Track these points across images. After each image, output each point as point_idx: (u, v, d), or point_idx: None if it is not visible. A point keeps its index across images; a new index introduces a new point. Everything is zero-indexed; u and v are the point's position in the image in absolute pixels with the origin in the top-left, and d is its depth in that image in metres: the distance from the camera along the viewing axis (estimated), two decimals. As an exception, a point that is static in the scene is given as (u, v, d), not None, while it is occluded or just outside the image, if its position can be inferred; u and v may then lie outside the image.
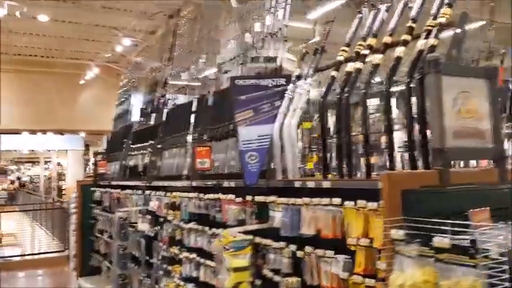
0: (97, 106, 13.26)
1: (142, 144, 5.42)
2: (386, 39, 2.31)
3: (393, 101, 2.63)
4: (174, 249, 3.95)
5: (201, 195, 3.51)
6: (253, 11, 3.60)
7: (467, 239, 1.39)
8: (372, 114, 3.27)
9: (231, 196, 3.05)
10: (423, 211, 1.65)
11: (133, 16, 8.85)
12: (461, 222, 1.46)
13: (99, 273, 6.59)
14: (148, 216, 4.55)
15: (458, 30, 1.98)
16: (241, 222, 3.01)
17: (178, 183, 4.04)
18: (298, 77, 2.90)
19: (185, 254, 3.74)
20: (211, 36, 4.42)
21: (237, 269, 2.56)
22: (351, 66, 2.41)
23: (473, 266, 1.31)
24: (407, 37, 2.19)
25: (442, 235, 1.48)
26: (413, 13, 2.25)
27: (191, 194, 3.68)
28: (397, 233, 1.53)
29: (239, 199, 2.97)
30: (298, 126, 3.76)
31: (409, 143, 1.98)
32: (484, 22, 7.52)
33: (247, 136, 2.82)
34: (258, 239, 2.77)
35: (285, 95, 2.90)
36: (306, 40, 3.18)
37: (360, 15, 2.66)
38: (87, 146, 21.50)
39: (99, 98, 13.20)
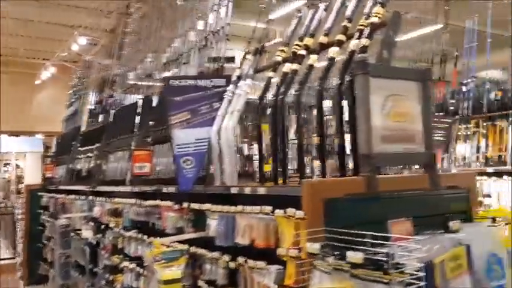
0: (54, 107, 12.72)
1: (89, 147, 5.18)
2: (322, 39, 2.22)
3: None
4: (116, 258, 3.75)
5: (141, 201, 3.34)
6: (197, 9, 3.46)
7: (383, 253, 1.29)
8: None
9: (169, 203, 2.90)
10: (347, 221, 1.55)
11: (89, 14, 8.55)
12: (377, 234, 1.36)
13: (47, 282, 6.29)
14: (91, 223, 4.33)
15: (391, 31, 1.89)
16: (180, 231, 2.86)
17: (121, 189, 3.86)
18: (239, 78, 2.77)
19: (126, 263, 3.55)
20: (162, 35, 4.24)
21: (167, 282, 2.40)
22: (287, 67, 2.31)
23: (387, 283, 1.21)
24: (342, 37, 2.09)
25: (361, 248, 1.38)
26: (348, 12, 2.16)
27: (131, 200, 3.50)
28: (312, 246, 1.42)
29: (176, 206, 2.82)
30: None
31: (339, 149, 1.89)
32: (441, 25, 7.63)
33: (183, 139, 2.67)
34: (194, 249, 2.63)
35: (225, 96, 2.77)
36: (249, 39, 3.03)
37: (300, 14, 2.56)
38: (47, 148, 20.77)
39: (56, 98, 12.68)
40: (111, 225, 3.92)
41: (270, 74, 2.44)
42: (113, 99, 4.86)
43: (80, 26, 9.28)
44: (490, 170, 5.19)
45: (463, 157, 5.61)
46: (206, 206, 2.51)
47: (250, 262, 2.17)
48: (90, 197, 4.46)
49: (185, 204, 2.72)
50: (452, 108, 5.79)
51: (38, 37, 10.50)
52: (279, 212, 1.99)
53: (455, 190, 1.92)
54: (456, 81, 6.14)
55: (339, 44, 2.08)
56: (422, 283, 1.23)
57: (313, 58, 2.17)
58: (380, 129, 1.75)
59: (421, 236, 1.58)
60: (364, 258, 1.27)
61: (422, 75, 1.88)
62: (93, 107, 5.61)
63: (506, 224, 1.71)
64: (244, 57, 2.84)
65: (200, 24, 3.31)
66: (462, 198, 1.94)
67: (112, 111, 4.81)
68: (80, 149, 5.51)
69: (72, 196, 5.01)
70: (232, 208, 2.30)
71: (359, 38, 1.97)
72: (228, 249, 2.41)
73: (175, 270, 2.48)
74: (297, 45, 2.35)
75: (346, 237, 1.45)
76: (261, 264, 2.10)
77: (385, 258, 1.28)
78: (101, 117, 5.19)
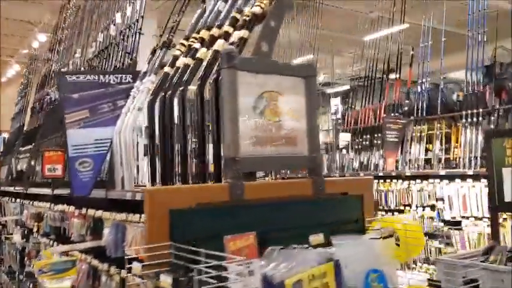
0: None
1: (28, 147, 4.95)
2: (214, 31, 2.03)
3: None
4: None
5: (53, 206, 3.12)
6: (119, 1, 3.25)
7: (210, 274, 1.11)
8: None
9: (72, 208, 2.70)
10: (196, 235, 1.37)
11: (47, 9, 8.26)
12: (210, 252, 1.18)
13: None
14: (19, 227, 4.11)
15: (273, 22, 1.71)
16: (83, 238, 2.66)
17: (44, 191, 3.63)
18: (145, 73, 2.57)
19: (41, 271, 3.33)
20: (92, 28, 4.02)
21: (53, 295, 2.20)
22: (180, 62, 2.12)
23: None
24: (229, 29, 1.91)
25: (194, 267, 1.19)
26: (239, 2, 1.98)
27: (46, 204, 3.29)
28: (136, 267, 1.23)
29: (77, 212, 2.61)
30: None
31: (199, 151, 1.71)
32: (406, 25, 7.50)
33: (80, 140, 2.45)
34: (90, 259, 2.43)
35: (131, 93, 2.56)
36: (161, 33, 2.83)
37: (204, 5, 2.37)
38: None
39: (22, 97, 12.32)
40: (34, 230, 3.70)
41: (167, 69, 2.24)
42: (49, 97, 4.62)
43: (40, 22, 8.98)
44: (442, 172, 5.06)
45: (416, 159, 5.48)
46: (99, 212, 2.32)
47: (130, 276, 1.97)
48: (19, 200, 4.23)
49: (83, 210, 2.52)
50: (406, 108, 5.65)
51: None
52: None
53: (344, 198, 1.75)
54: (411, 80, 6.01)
55: (226, 36, 1.90)
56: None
57: (202, 52, 1.99)
58: (250, 129, 1.56)
59: (285, 250, 1.42)
60: (180, 280, 1.08)
61: (305, 71, 1.70)
62: (34, 105, 5.37)
63: (385, 238, 1.54)
64: (153, 52, 2.65)
65: (118, 17, 3.11)
66: (352, 206, 1.77)
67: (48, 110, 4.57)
68: (20, 148, 5.28)
69: (6, 198, 4.77)
70: (118, 216, 2.11)
71: (241, 29, 1.78)
72: (121, 261, 2.22)
73: (64, 283, 2.28)
74: (194, 38, 2.17)
75: (185, 255, 1.27)
76: (138, 280, 1.91)
77: (210, 280, 1.10)
78: (40, 116, 4.95)
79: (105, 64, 3.22)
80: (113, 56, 3.10)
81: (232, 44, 1.76)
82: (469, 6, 5.15)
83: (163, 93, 2.03)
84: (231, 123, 1.52)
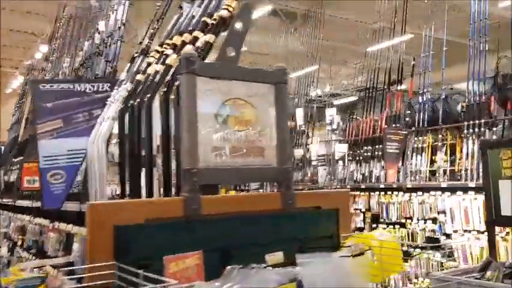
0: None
1: (19, 158, 4.89)
2: (185, 37, 1.93)
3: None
4: (17, 280, 3.43)
5: (33, 218, 3.03)
6: (104, 9, 3.19)
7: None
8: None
9: (46, 221, 2.60)
10: (145, 254, 1.25)
11: (49, 20, 8.29)
12: (143, 273, 1.06)
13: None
14: (5, 240, 4.02)
15: (239, 24, 1.61)
16: (57, 253, 2.56)
17: (28, 204, 3.55)
18: (122, 82, 2.48)
19: (21, 286, 3.22)
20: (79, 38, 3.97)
21: (17, 315, 2.09)
22: (152, 68, 2.02)
23: None
24: (199, 34, 1.81)
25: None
26: (211, 6, 1.88)
27: (26, 217, 3.20)
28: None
29: (50, 225, 2.52)
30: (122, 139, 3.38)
31: (164, 164, 1.60)
32: (411, 36, 7.37)
33: (52, 151, 2.37)
34: (61, 276, 2.32)
35: (107, 102, 2.48)
36: (141, 40, 2.74)
37: (181, 10, 2.28)
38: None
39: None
40: (19, 243, 3.61)
41: (139, 76, 2.15)
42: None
43: (42, 34, 9.03)
44: (443, 184, 4.89)
45: (418, 170, 5.32)
46: (69, 227, 2.22)
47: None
48: (6, 212, 4.15)
49: (56, 224, 2.42)
50: (408, 119, 5.50)
51: (3, 45, 10.23)
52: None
53: (316, 212, 1.63)
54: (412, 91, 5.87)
55: (195, 41, 1.80)
56: None
57: (172, 58, 1.89)
58: (211, 139, 1.46)
59: (244, 270, 1.30)
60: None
61: (275, 77, 1.59)
62: (28, 116, 5.32)
63: (355, 256, 1.41)
64: (132, 60, 2.56)
65: (101, 25, 3.04)
66: (326, 221, 1.64)
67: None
68: (13, 160, 5.22)
69: (-3, 211, 4.71)
70: (84, 230, 2.00)
71: (208, 33, 1.69)
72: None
73: (31, 301, 2.17)
74: (167, 44, 2.08)
75: (129, 277, 1.15)
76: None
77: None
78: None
79: (89, 73, 3.15)
80: (96, 65, 3.02)
81: (197, 49, 1.67)
82: (470, 16, 5.03)
83: (131, 102, 1.94)
84: (188, 131, 1.41)
